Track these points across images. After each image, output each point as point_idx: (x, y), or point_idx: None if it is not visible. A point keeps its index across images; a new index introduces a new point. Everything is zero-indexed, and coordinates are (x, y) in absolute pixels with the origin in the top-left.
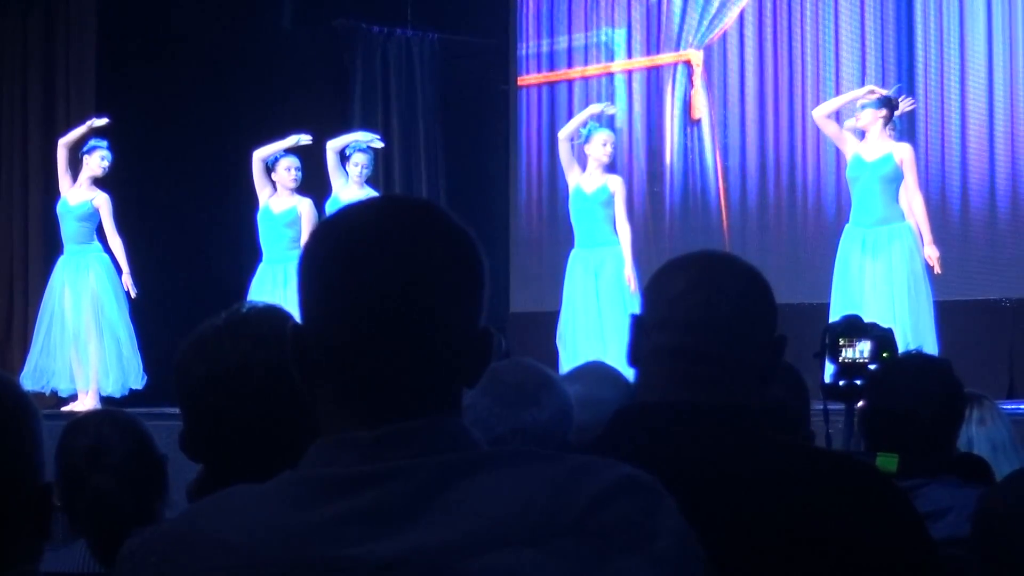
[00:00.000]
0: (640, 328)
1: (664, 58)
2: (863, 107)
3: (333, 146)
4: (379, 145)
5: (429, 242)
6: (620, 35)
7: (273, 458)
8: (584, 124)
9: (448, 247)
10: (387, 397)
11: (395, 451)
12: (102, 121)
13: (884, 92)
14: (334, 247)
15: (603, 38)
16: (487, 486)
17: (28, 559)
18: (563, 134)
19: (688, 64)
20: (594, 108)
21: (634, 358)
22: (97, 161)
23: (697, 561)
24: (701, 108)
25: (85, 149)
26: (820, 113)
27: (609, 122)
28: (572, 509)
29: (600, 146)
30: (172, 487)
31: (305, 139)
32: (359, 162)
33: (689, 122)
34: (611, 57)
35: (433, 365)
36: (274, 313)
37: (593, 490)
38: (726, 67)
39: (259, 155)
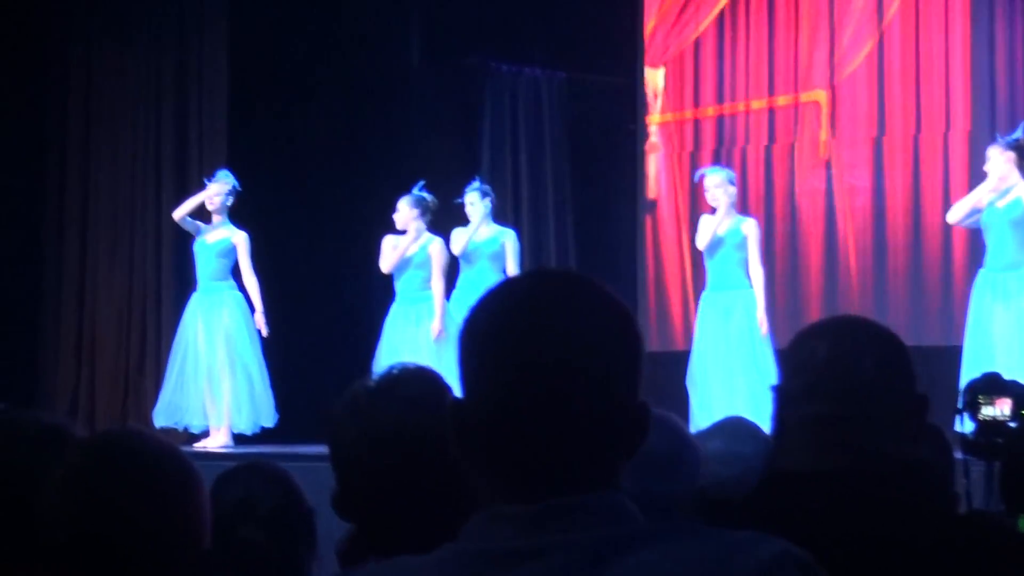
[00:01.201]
0: (784, 399)
1: (788, 99)
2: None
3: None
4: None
5: (586, 316)
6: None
7: (425, 521)
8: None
9: (605, 320)
10: (545, 472)
11: (553, 526)
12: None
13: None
14: (492, 321)
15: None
16: (645, 563)
17: None
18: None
19: (816, 104)
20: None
21: (779, 429)
22: (215, 189)
23: None
24: (827, 149)
25: (210, 177)
26: (955, 219)
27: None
28: None
29: (713, 188)
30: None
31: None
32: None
33: (815, 163)
34: (733, 97)
35: (591, 440)
36: (426, 375)
37: (751, 567)
38: (854, 107)
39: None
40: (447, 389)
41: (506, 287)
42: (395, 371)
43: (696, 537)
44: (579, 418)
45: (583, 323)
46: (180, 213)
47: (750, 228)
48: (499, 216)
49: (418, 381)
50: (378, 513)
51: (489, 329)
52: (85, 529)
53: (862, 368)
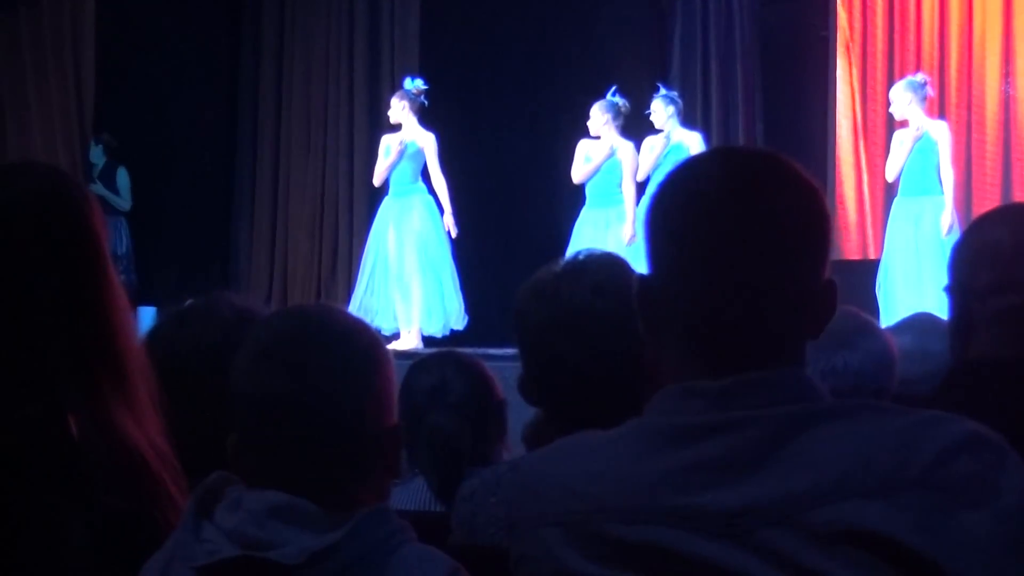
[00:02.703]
0: (971, 294)
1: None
2: None
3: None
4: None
5: (776, 193)
6: None
7: (610, 404)
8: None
9: (795, 198)
10: (734, 347)
11: (742, 401)
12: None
13: None
14: (682, 199)
15: None
16: (832, 438)
17: (378, 497)
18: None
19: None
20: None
21: (967, 324)
22: (396, 114)
23: None
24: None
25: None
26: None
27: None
28: (917, 463)
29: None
30: (511, 433)
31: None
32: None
33: (1011, 65)
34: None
35: (780, 316)
36: (612, 261)
37: (939, 445)
38: None
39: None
40: (633, 276)
41: (696, 163)
42: (581, 256)
43: (882, 413)
44: (769, 294)
45: (774, 199)
46: (379, 179)
47: (941, 132)
48: (688, 121)
49: (604, 267)
50: (563, 397)
51: (680, 205)
52: (277, 393)
53: None
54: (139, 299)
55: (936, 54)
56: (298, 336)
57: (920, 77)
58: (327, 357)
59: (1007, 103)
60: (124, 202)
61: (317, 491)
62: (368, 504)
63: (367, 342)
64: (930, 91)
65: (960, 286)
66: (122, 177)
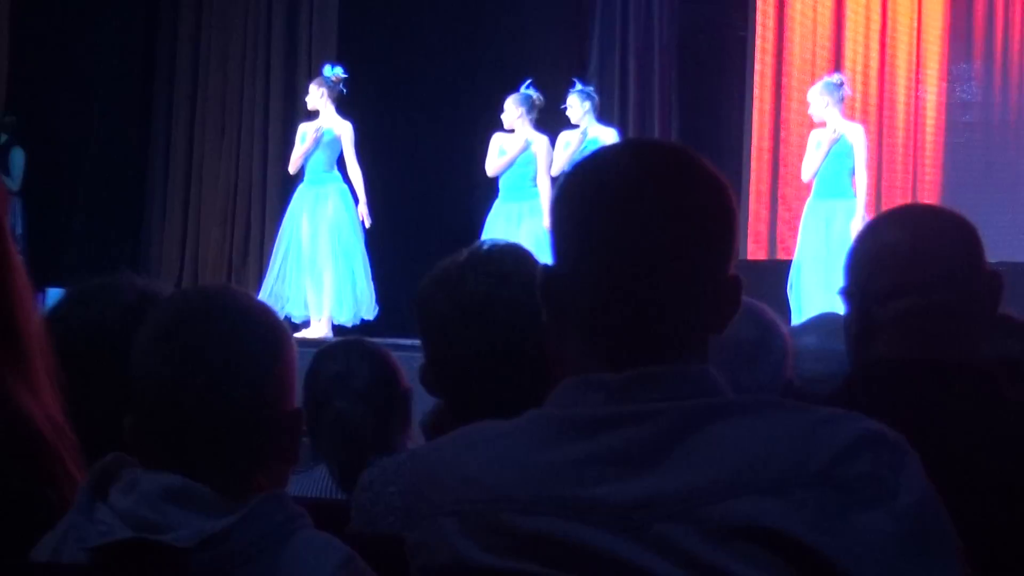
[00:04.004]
0: (870, 297)
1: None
2: None
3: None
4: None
5: (683, 187)
6: None
7: (510, 395)
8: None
9: (701, 192)
10: (636, 340)
11: (642, 394)
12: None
13: None
14: (589, 190)
15: None
16: (731, 433)
17: (276, 482)
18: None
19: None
20: None
21: (867, 326)
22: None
23: (938, 519)
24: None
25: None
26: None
27: None
28: (816, 460)
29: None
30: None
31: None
32: None
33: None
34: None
35: (684, 310)
36: (516, 251)
37: (838, 443)
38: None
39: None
40: (537, 266)
41: (604, 154)
42: (485, 246)
43: (783, 410)
44: (672, 288)
45: (680, 193)
46: (294, 167)
47: (856, 136)
48: (604, 117)
49: (509, 256)
50: (464, 387)
51: (586, 196)
52: (173, 376)
53: (945, 257)
54: (44, 280)
55: (856, 56)
56: (197, 319)
57: (836, 77)
58: (225, 341)
59: (917, 107)
60: (13, 182)
61: (213, 475)
62: (265, 489)
63: (267, 326)
64: (847, 91)
65: (858, 289)
66: (16, 157)
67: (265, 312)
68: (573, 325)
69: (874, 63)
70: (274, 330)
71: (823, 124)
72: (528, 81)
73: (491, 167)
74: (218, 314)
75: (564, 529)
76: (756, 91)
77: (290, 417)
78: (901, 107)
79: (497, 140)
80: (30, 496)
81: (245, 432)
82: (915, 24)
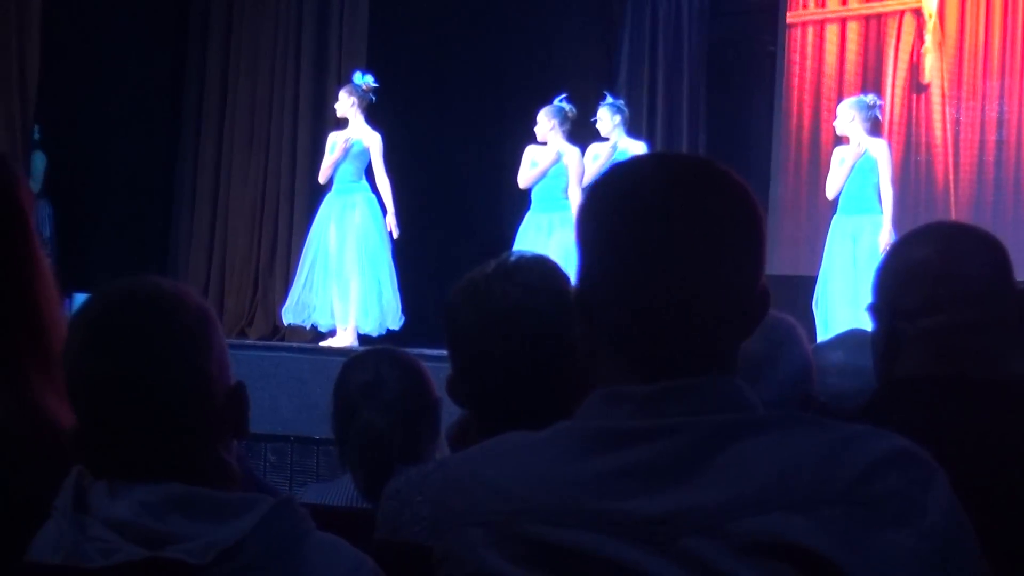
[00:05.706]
0: (898, 314)
1: (890, 4)
2: None
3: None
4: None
5: (710, 198)
6: None
7: (537, 407)
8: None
9: (730, 204)
10: (665, 353)
11: (670, 408)
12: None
13: None
14: (616, 203)
15: None
16: (759, 449)
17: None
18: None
19: (918, 14)
20: None
21: (894, 343)
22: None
23: (965, 538)
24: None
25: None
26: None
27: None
28: (843, 478)
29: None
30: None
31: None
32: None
33: (952, 88)
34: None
35: (712, 322)
36: (543, 263)
37: (865, 460)
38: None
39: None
40: (565, 278)
41: (630, 166)
42: (513, 257)
43: (811, 427)
44: (701, 300)
45: (709, 205)
46: (324, 176)
47: (880, 151)
48: (633, 130)
49: (536, 268)
50: (491, 398)
51: (613, 209)
52: (106, 378)
53: (975, 275)
54: (72, 285)
55: (886, 72)
56: (121, 317)
57: (872, 99)
58: (152, 335)
59: (948, 124)
60: (33, 185)
61: (180, 465)
62: (231, 464)
63: (194, 308)
64: (877, 114)
65: (887, 305)
66: (38, 161)
67: (188, 294)
68: (602, 336)
69: (901, 80)
70: (201, 310)
71: (847, 140)
72: (563, 95)
73: (523, 179)
74: (139, 311)
75: (590, 541)
76: (784, 105)
77: (233, 391)
78: (936, 124)
79: (530, 152)
80: (44, 504)
81: (195, 415)
82: (946, 41)
